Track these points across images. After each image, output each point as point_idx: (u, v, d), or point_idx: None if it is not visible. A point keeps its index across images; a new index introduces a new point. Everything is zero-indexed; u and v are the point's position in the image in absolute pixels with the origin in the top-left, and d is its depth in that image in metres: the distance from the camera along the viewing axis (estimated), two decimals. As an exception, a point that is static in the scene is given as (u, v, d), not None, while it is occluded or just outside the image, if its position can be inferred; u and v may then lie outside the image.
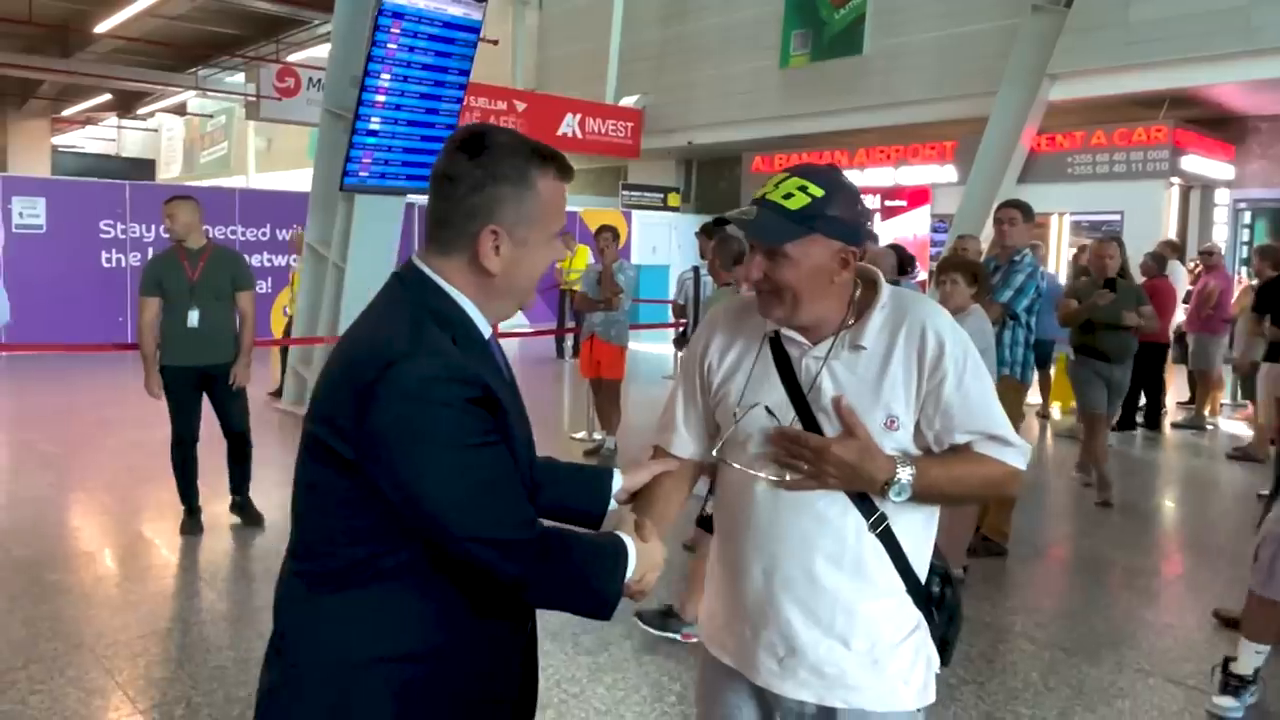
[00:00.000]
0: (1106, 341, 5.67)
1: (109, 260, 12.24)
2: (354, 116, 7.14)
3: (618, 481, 1.60)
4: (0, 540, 4.64)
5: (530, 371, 12.34)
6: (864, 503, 1.48)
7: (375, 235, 7.80)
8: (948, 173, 14.05)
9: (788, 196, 1.46)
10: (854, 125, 14.30)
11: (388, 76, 7.10)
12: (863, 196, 1.56)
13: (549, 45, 18.95)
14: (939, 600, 1.59)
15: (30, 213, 11.68)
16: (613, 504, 1.59)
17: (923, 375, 1.47)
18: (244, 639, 3.55)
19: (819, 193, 1.45)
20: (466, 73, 7.52)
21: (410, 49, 7.11)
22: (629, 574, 1.35)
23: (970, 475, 1.50)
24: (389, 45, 6.97)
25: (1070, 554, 5.06)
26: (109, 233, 12.21)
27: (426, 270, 1.32)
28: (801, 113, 14.73)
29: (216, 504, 5.11)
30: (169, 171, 28.65)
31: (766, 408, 1.54)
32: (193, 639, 3.59)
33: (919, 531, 1.55)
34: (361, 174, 7.39)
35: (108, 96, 22.85)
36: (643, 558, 1.38)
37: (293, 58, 18.13)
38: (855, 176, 14.87)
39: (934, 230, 14.22)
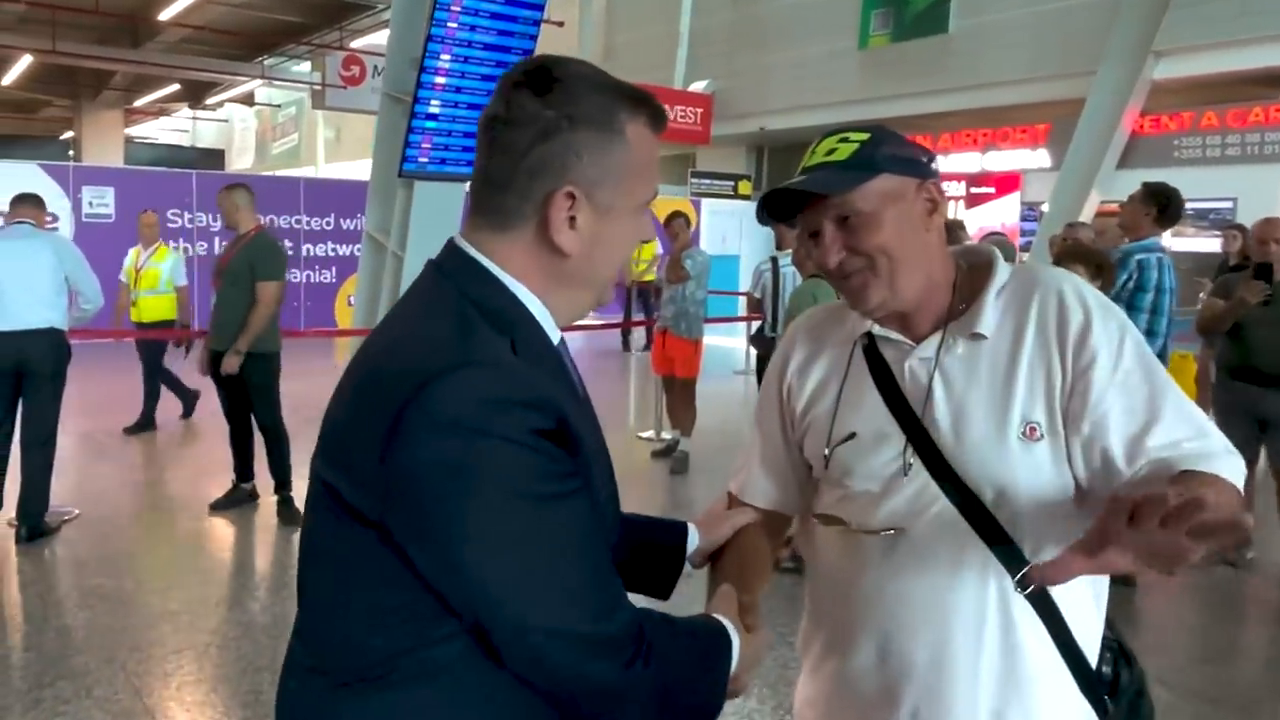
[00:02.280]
0: (1264, 355, 4.22)
1: (175, 249, 12.40)
2: (413, 100, 6.95)
3: (694, 539, 1.28)
4: (46, 539, 4.54)
5: (593, 365, 12.13)
6: (1007, 554, 1.14)
7: (435, 223, 7.60)
8: (1040, 157, 13.40)
9: (831, 152, 1.19)
10: (938, 108, 13.73)
11: (448, 57, 6.89)
12: (945, 185, 1.25)
13: (617, 29, 18.70)
14: (1112, 685, 1.23)
15: (100, 202, 11.93)
16: (687, 567, 1.27)
17: (1065, 358, 1.14)
18: (282, 656, 3.34)
19: (863, 136, 1.20)
20: (529, 53, 7.27)
21: (471, 28, 6.89)
22: (733, 665, 1.04)
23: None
24: (449, 24, 6.76)
25: (1210, 585, 4.35)
26: (176, 222, 12.38)
27: (474, 253, 0.99)
28: (881, 96, 14.20)
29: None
30: (242, 162, 29.29)
31: (852, 434, 1.23)
32: (229, 656, 3.40)
33: (1084, 591, 1.18)
34: (421, 159, 7.20)
35: (176, 87, 23.34)
36: (746, 651, 1.05)
37: (356, 44, 18.20)
38: (940, 162, 14.25)
39: (1024, 219, 13.57)
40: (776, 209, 1.23)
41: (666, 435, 6.90)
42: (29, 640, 3.47)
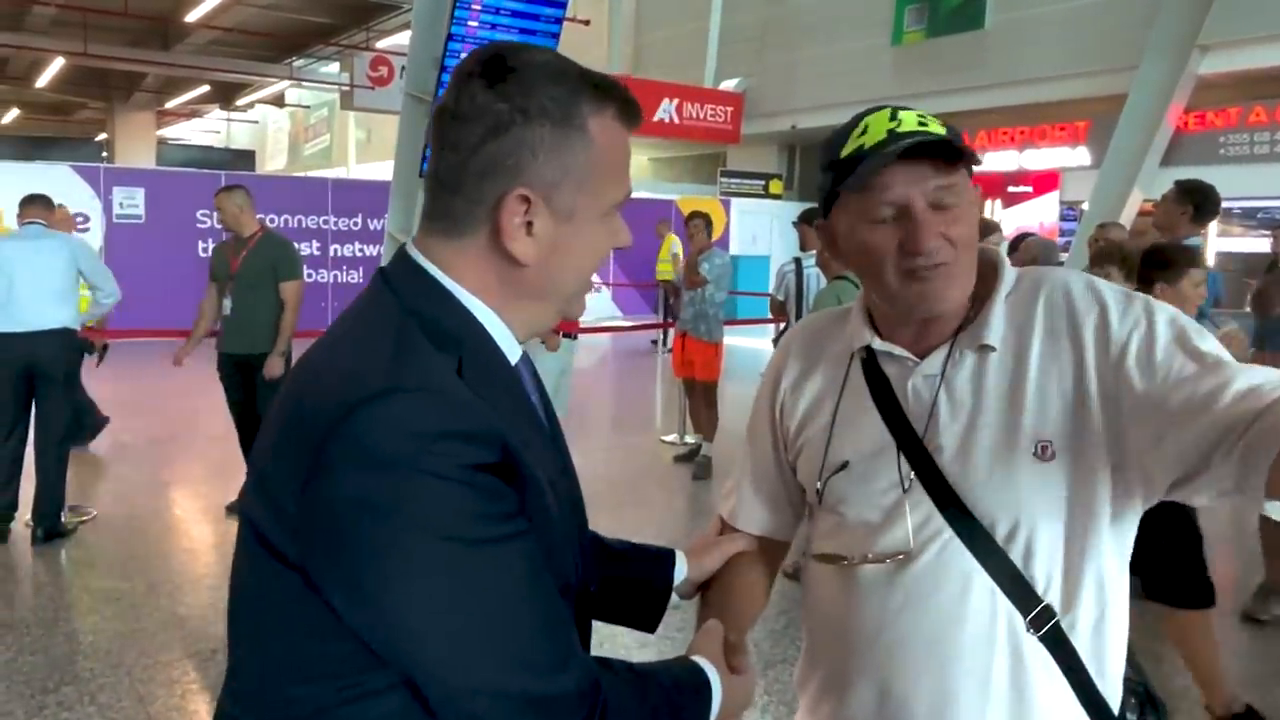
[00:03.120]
0: None
1: (205, 250, 12.56)
2: (434, 100, 6.96)
3: (681, 569, 1.20)
4: (62, 540, 4.58)
5: (622, 364, 12.10)
6: (1019, 589, 1.04)
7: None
8: (1079, 155, 13.17)
9: (923, 123, 1.06)
10: (974, 106, 13.54)
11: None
12: (982, 184, 1.15)
13: (646, 28, 18.68)
14: None
15: (130, 203, 12.12)
16: (673, 598, 1.21)
17: (1087, 358, 1.02)
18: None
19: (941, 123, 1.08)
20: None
21: (492, 27, 6.89)
22: (714, 712, 0.97)
23: None
24: (469, 23, 6.76)
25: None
26: (205, 222, 12.54)
27: (423, 262, 0.90)
28: (916, 93, 14.01)
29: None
30: (275, 164, 29.66)
31: (846, 462, 1.13)
32: (236, 663, 3.39)
33: (1105, 630, 1.07)
34: (441, 160, 7.23)
35: (206, 89, 23.68)
36: (730, 695, 0.98)
37: (382, 44, 18.34)
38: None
39: (1063, 219, 13.34)
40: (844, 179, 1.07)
41: (690, 439, 6.84)
42: (37, 643, 3.49)
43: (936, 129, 1.05)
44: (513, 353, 0.93)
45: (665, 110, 15.50)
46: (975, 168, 1.09)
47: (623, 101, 0.92)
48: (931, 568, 1.07)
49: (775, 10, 16.30)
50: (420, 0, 7.57)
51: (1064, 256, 11.19)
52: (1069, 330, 1.05)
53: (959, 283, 1.07)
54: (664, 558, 1.21)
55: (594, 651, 0.95)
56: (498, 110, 0.86)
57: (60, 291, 4.56)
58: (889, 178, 1.04)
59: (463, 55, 6.88)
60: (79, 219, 11.62)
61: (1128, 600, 1.10)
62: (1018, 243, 6.14)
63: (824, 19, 15.43)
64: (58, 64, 19.26)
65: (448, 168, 0.89)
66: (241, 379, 4.90)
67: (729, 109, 16.25)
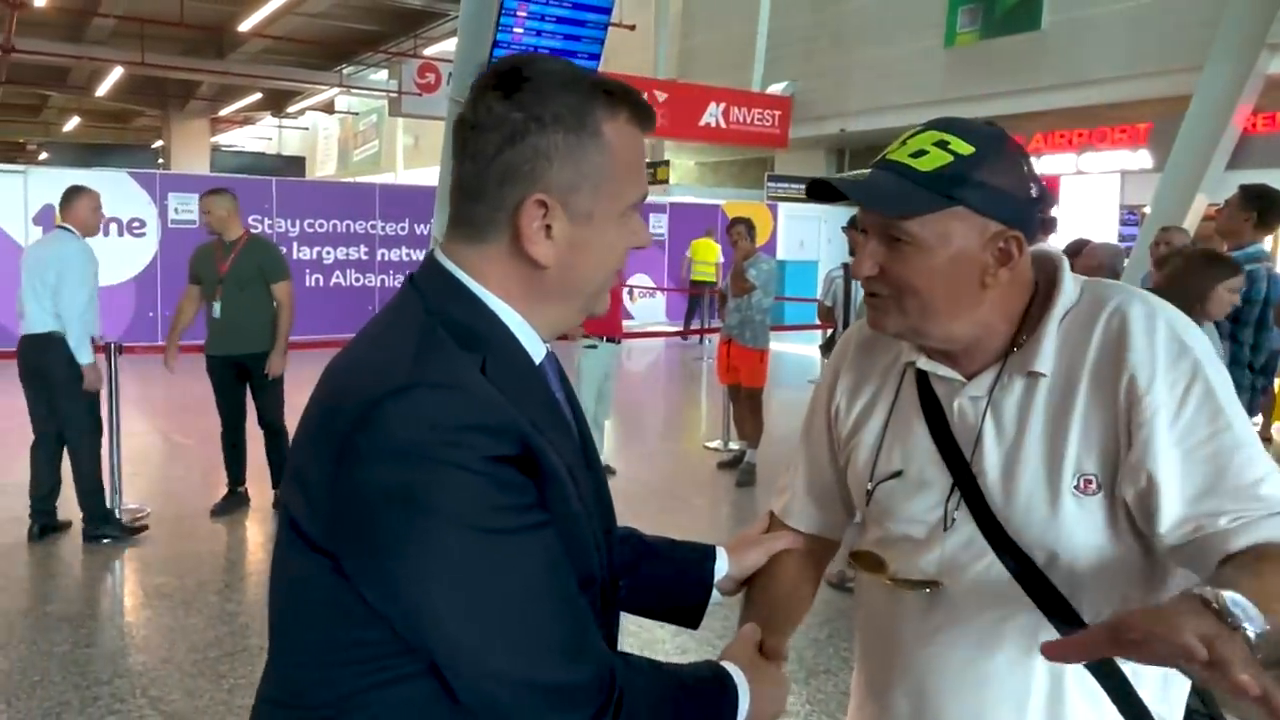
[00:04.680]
0: None
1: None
2: (479, 106, 7.10)
3: (722, 565, 1.23)
4: (117, 538, 4.75)
5: (668, 367, 12.15)
6: (1066, 617, 1.03)
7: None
8: (1141, 158, 12.92)
9: (918, 155, 1.04)
10: (1030, 108, 13.37)
11: (514, 63, 7.02)
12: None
13: (693, 32, 18.74)
14: None
15: (184, 209, 12.45)
16: (715, 595, 1.23)
17: (1118, 404, 1.00)
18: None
19: (965, 149, 1.02)
20: (597, 57, 7.33)
21: (537, 33, 6.99)
22: (741, 716, 0.99)
23: None
24: (514, 30, 6.87)
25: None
26: (256, 227, 12.85)
27: (450, 266, 0.95)
28: (969, 95, 13.88)
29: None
30: (325, 169, 30.29)
31: (898, 471, 1.13)
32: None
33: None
34: (487, 166, 7.35)
35: (258, 96, 24.27)
36: (760, 702, 1.00)
37: (429, 51, 18.65)
38: (1032, 164, 13.92)
39: (1124, 223, 13.10)
40: (826, 191, 1.10)
41: (734, 446, 6.86)
42: (92, 636, 3.63)
43: (931, 161, 1.02)
44: (537, 352, 0.97)
45: (711, 114, 15.52)
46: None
47: (635, 105, 0.96)
48: (972, 591, 1.07)
49: (824, 13, 16.25)
50: (466, 8, 7.71)
51: (1125, 262, 11.00)
52: (1113, 369, 1.02)
53: (897, 320, 1.07)
54: (704, 553, 1.23)
55: (636, 654, 0.98)
56: (514, 119, 0.91)
57: (50, 296, 4.49)
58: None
59: (508, 62, 7.03)
60: (135, 224, 12.06)
61: None
62: (1076, 250, 6.05)
63: (875, 21, 15.35)
64: (116, 73, 19.91)
65: (469, 176, 0.94)
66: (234, 379, 5.07)
67: (776, 113, 16.23)
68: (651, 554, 1.22)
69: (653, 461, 7.02)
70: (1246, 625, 0.77)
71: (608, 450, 6.55)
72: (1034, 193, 1.06)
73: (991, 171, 1.02)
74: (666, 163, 17.19)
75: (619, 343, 6.26)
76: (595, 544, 0.99)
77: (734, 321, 6.35)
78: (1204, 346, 1.02)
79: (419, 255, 13.57)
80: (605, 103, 0.94)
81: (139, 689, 3.22)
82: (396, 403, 0.83)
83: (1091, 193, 13.50)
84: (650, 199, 15.27)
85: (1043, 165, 13.75)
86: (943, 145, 1.04)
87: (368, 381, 0.86)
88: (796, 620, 1.25)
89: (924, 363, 1.13)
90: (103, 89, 21.66)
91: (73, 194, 4.70)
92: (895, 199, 1.02)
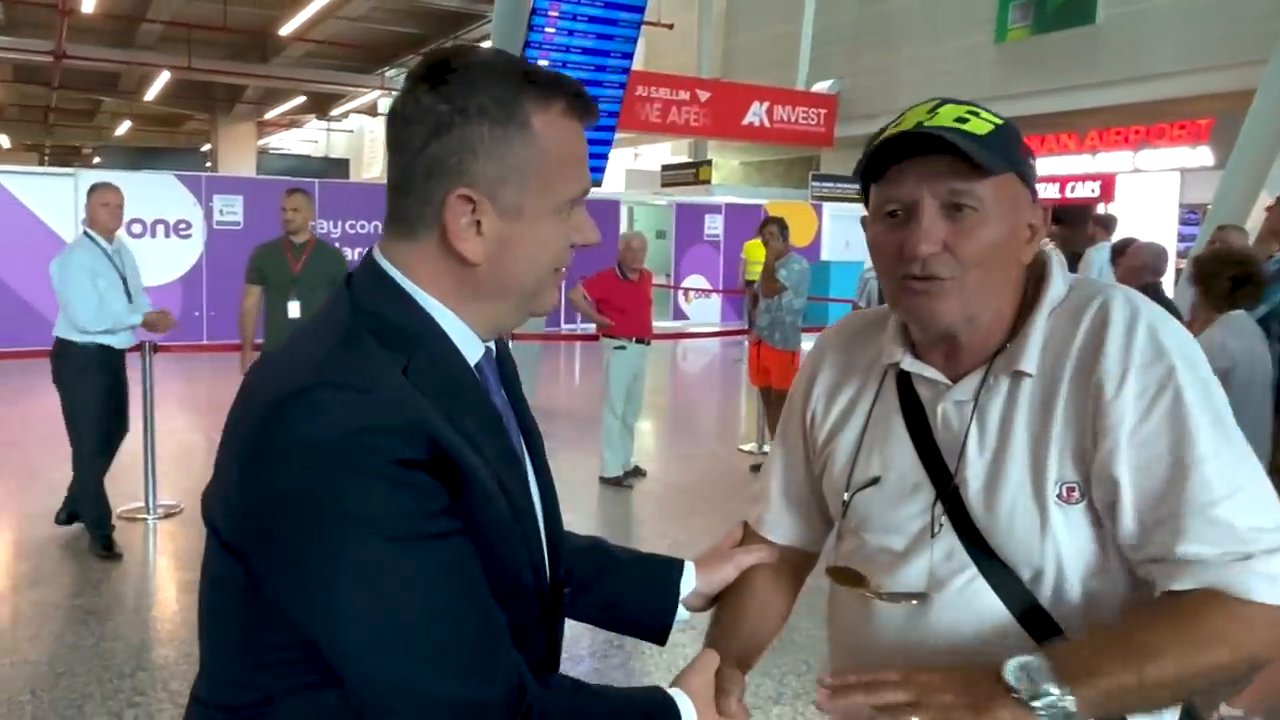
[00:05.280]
0: None
1: (300, 255, 13.16)
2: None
3: (689, 581, 1.19)
4: (149, 534, 4.89)
5: (720, 368, 12.16)
6: (1047, 632, 1.00)
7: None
8: (1201, 155, 12.62)
9: (962, 120, 0.99)
10: (1084, 105, 13.15)
11: (545, 63, 7.08)
12: (1096, 184, 1.06)
13: (737, 30, 18.73)
14: None
15: (229, 210, 12.79)
16: (682, 612, 1.20)
17: (1088, 407, 0.97)
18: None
19: (999, 120, 1.01)
20: (629, 56, 7.39)
21: (569, 33, 7.07)
22: None
23: (1181, 646, 0.89)
24: (546, 29, 6.96)
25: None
26: (300, 229, 13.16)
27: (384, 264, 0.93)
28: (1021, 92, 13.69)
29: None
30: (371, 171, 30.79)
31: (875, 478, 1.09)
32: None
33: None
34: (519, 166, 7.44)
35: (303, 99, 24.77)
36: None
37: (469, 52, 18.94)
38: (1087, 162, 13.70)
39: (1184, 222, 12.81)
40: (873, 164, 1.04)
41: (767, 448, 6.84)
42: (119, 630, 3.75)
43: (978, 127, 0.99)
44: (473, 352, 0.95)
45: (755, 113, 15.52)
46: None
47: (572, 97, 0.93)
48: (953, 605, 1.03)
49: (871, 9, 16.14)
50: (500, 9, 7.83)
51: (1183, 264, 10.75)
52: (1088, 367, 0.99)
53: (958, 304, 1.00)
54: (673, 567, 1.20)
55: (616, 674, 0.98)
56: (439, 111, 0.89)
57: (60, 302, 4.57)
58: (903, 171, 1.00)
59: (540, 62, 7.10)
60: (181, 225, 12.38)
61: None
62: (1123, 249, 5.94)
63: (923, 17, 15.21)
64: (164, 78, 20.47)
65: (398, 170, 0.92)
66: None
67: (822, 111, 16.16)
68: (616, 566, 1.20)
69: (686, 464, 7.03)
70: (1022, 693, 0.86)
71: (639, 452, 6.57)
72: (1037, 177, 1.05)
73: (1020, 145, 1.02)
74: (709, 162, 17.20)
75: (648, 344, 6.29)
76: (529, 551, 0.96)
77: (764, 323, 6.34)
78: (1186, 351, 0.98)
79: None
80: (536, 94, 0.91)
81: (159, 682, 3.32)
82: (300, 403, 0.82)
83: (1149, 191, 13.22)
84: (704, 199, 15.27)
85: (1098, 163, 13.52)
86: (976, 114, 1.01)
87: (278, 382, 0.86)
88: (764, 642, 1.21)
89: (909, 363, 1.08)
90: (151, 93, 22.30)
91: (87, 193, 4.69)
92: (980, 152, 0.96)
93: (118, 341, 4.62)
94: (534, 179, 0.91)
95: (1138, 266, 4.71)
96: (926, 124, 0.99)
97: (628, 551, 1.24)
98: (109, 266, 4.61)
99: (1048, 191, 14.26)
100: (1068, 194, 13.92)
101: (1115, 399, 0.96)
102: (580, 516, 5.69)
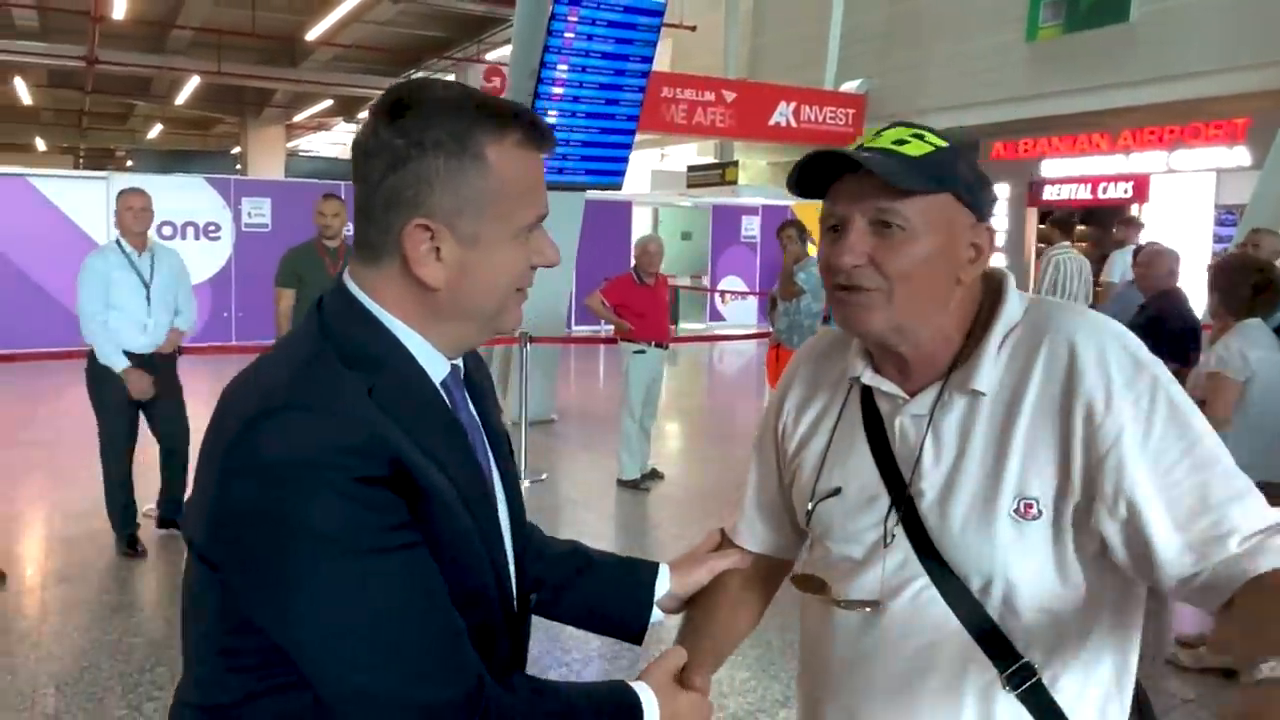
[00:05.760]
0: None
1: (328, 257, 13.40)
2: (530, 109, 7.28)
3: (664, 584, 1.26)
4: (176, 531, 5.04)
5: (742, 373, 12.20)
6: (995, 644, 1.04)
7: (554, 232, 7.71)
8: (1238, 155, 12.47)
9: (900, 143, 1.05)
10: (1117, 103, 13.01)
11: (564, 67, 7.18)
12: (1129, 184, 1.08)
13: (765, 30, 18.74)
14: None
15: (257, 212, 13.04)
16: (658, 614, 1.27)
17: (1075, 430, 1.00)
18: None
19: (941, 143, 1.06)
20: (649, 59, 7.47)
21: (588, 37, 7.15)
22: None
23: None
24: (565, 35, 7.04)
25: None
26: (326, 232, 13.38)
27: (352, 288, 0.99)
28: (1053, 91, 13.60)
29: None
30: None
31: (837, 489, 1.14)
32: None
33: (1103, 688, 1.07)
34: (539, 170, 7.53)
35: (330, 103, 25.11)
36: (670, 718, 1.04)
37: (491, 56, 19.08)
38: (1119, 162, 13.59)
39: (1220, 223, 12.66)
40: (806, 182, 1.11)
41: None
42: (140, 626, 3.89)
43: (915, 149, 1.04)
44: (437, 371, 1.01)
45: (781, 114, 15.53)
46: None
47: (527, 127, 0.98)
48: (904, 614, 1.08)
49: (900, 8, 16.10)
50: (521, 13, 7.93)
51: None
52: (1064, 394, 1.01)
53: (883, 315, 1.05)
54: (645, 569, 1.27)
55: (626, 674, 1.03)
56: (396, 145, 0.94)
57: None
58: (838, 189, 1.08)
59: (559, 67, 7.19)
60: (210, 228, 12.64)
61: (1134, 656, 1.11)
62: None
63: (953, 16, 15.14)
64: (194, 82, 20.86)
65: (362, 200, 0.98)
66: None
67: (850, 111, 16.13)
68: (593, 569, 1.27)
69: (704, 467, 7.10)
70: None
71: (658, 455, 6.65)
72: (991, 199, 1.10)
73: (967, 166, 1.07)
74: (735, 163, 17.23)
75: (667, 348, 6.36)
76: (492, 561, 1.01)
77: (782, 326, 6.39)
78: (1160, 363, 1.03)
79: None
80: (490, 126, 0.96)
81: (177, 677, 3.43)
82: (267, 424, 0.89)
83: (1184, 192, 13.08)
84: (741, 201, 15.28)
85: (1131, 164, 13.40)
86: (919, 137, 1.06)
87: (249, 402, 0.92)
88: (731, 642, 1.28)
89: (869, 377, 1.13)
90: (181, 97, 22.73)
91: (116, 198, 4.79)
92: (900, 174, 1.02)
93: (130, 347, 4.64)
94: (490, 208, 0.97)
95: (1162, 272, 4.70)
96: (866, 144, 1.07)
97: (605, 555, 1.31)
98: (129, 273, 4.66)
99: (1079, 193, 14.17)
100: (1100, 195, 13.82)
101: (1108, 415, 0.98)
102: (597, 519, 5.78)
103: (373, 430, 0.90)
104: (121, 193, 4.76)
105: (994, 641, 1.04)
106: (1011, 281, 1.12)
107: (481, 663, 0.94)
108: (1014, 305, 1.09)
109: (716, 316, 16.31)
